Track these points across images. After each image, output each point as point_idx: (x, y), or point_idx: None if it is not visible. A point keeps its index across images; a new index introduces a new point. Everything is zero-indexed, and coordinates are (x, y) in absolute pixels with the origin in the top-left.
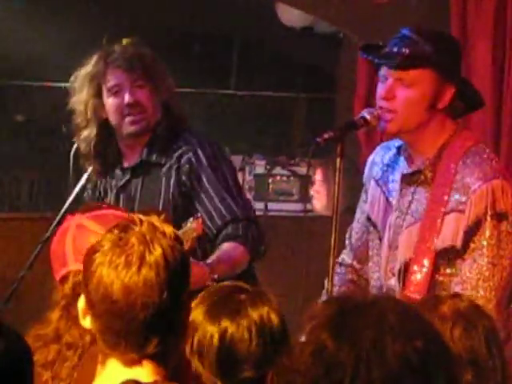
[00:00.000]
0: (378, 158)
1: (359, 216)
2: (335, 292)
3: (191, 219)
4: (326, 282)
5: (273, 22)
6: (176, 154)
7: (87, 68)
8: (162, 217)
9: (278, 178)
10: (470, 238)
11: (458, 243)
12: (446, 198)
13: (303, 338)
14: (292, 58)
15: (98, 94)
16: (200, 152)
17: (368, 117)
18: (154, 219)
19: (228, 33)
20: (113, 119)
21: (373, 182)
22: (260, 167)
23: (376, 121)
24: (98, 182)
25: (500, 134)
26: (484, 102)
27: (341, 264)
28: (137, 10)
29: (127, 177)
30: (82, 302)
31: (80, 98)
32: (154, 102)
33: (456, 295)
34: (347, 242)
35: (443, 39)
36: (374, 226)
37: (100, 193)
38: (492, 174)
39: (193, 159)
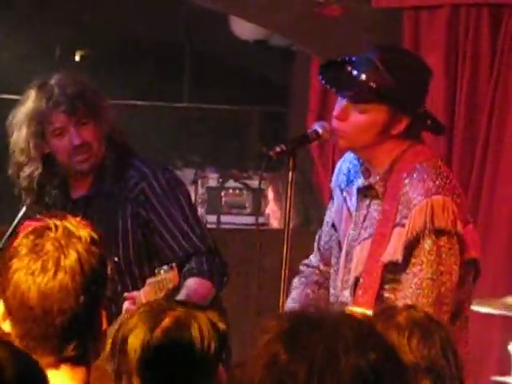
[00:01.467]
0: (344, 166)
1: (327, 220)
2: (300, 294)
3: (166, 267)
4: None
5: (226, 35)
6: (129, 185)
7: (26, 106)
8: (78, 219)
9: (231, 191)
10: (410, 252)
11: (399, 257)
12: (394, 212)
13: (256, 351)
14: (245, 71)
15: (40, 133)
16: (154, 183)
17: (320, 130)
18: (70, 224)
19: (181, 45)
20: (60, 158)
21: (338, 191)
22: (213, 180)
23: (328, 134)
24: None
25: (452, 147)
26: (443, 130)
27: (307, 265)
28: (89, 22)
29: (81, 211)
30: (1, 307)
31: (20, 137)
32: (99, 136)
33: (410, 306)
34: (315, 244)
35: (409, 71)
36: (336, 235)
37: None
38: (434, 190)
39: (147, 190)
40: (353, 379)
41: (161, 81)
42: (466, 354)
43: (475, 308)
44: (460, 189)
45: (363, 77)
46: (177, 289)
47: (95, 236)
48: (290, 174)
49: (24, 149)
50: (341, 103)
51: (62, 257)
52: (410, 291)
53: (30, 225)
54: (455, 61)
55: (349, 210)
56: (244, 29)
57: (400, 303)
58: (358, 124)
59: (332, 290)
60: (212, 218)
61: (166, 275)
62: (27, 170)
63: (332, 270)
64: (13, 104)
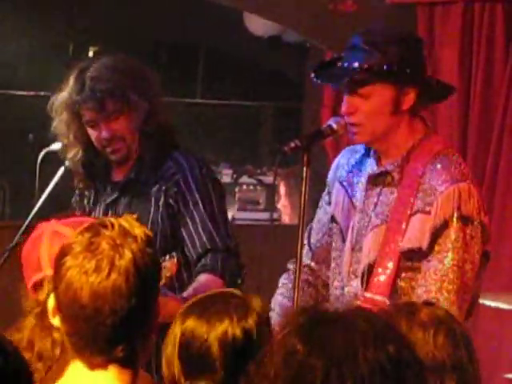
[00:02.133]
0: (343, 160)
1: (320, 217)
2: (289, 289)
3: (167, 257)
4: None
5: (240, 32)
6: (166, 175)
7: (63, 93)
8: (134, 217)
9: (245, 187)
10: (435, 239)
11: (424, 244)
12: (412, 199)
13: (272, 346)
14: (259, 67)
15: (78, 120)
16: (189, 176)
17: (335, 126)
18: (126, 222)
19: (195, 42)
20: (96, 146)
21: (337, 184)
22: (227, 176)
23: (343, 130)
24: (86, 191)
25: (467, 140)
26: (454, 90)
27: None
28: (103, 19)
29: (116, 194)
30: (52, 301)
31: (60, 122)
32: (132, 128)
33: (429, 303)
34: (306, 241)
35: (395, 42)
36: (338, 228)
37: (89, 201)
38: (460, 177)
39: (181, 183)
40: (372, 372)
41: (175, 77)
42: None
43: (488, 303)
44: (476, 180)
45: (355, 64)
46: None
47: (150, 234)
48: (305, 169)
49: (64, 133)
50: (346, 98)
51: (117, 256)
52: (434, 278)
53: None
54: (469, 55)
55: (351, 201)
56: (258, 25)
57: (420, 290)
58: (369, 110)
59: (336, 283)
60: None
61: (165, 264)
62: (70, 153)
63: (333, 265)
64: (26, 100)
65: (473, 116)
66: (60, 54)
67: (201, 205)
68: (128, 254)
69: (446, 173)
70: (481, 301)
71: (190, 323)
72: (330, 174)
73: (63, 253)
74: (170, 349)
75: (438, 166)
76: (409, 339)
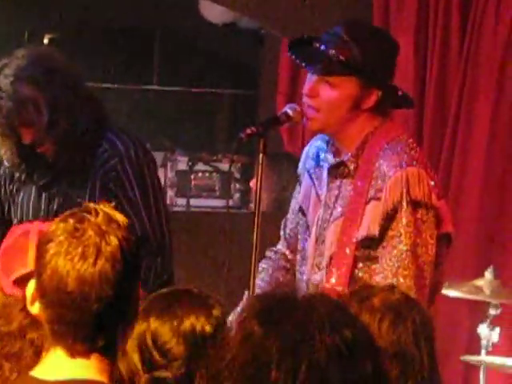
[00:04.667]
0: (311, 150)
1: (293, 207)
2: (269, 277)
3: None
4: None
5: (196, 18)
6: (101, 159)
7: None
8: (112, 205)
9: (200, 174)
10: (388, 225)
11: (377, 231)
12: (366, 189)
13: (231, 329)
14: (215, 55)
15: None
16: (126, 160)
17: (290, 112)
18: (108, 208)
19: (151, 28)
20: None
21: (306, 175)
22: (182, 163)
23: (298, 116)
24: (16, 171)
25: (422, 127)
26: (413, 105)
27: (276, 252)
28: (58, 5)
29: (49, 176)
30: (31, 288)
31: None
32: (47, 137)
33: (389, 287)
34: (282, 232)
35: (374, 41)
36: (305, 220)
37: (15, 182)
38: (409, 162)
39: (119, 168)
40: (327, 355)
41: (131, 64)
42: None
43: (445, 291)
44: (430, 165)
45: (332, 51)
46: None
47: (128, 221)
48: (261, 156)
49: None
50: (310, 80)
51: (104, 243)
52: (390, 264)
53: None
54: (425, 43)
55: (317, 194)
56: (213, 12)
57: (378, 277)
58: (330, 99)
59: (299, 276)
60: (182, 201)
61: None
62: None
63: (299, 256)
64: None
65: (428, 102)
66: (15, 41)
67: (136, 191)
68: (114, 241)
69: (396, 158)
70: None
71: (153, 319)
72: (300, 164)
73: (46, 239)
74: (130, 344)
75: (389, 152)
76: (365, 326)
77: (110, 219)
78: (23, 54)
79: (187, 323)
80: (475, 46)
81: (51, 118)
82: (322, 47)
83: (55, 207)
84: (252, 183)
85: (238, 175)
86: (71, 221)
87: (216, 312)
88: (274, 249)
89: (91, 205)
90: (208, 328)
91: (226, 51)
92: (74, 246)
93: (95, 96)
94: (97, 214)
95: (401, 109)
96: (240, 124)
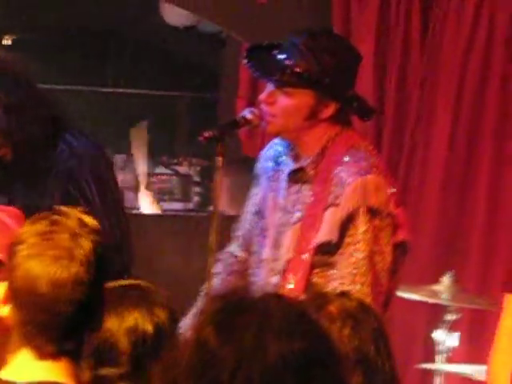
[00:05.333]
0: (270, 153)
1: (250, 209)
2: (220, 280)
3: None
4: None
5: (157, 20)
6: (60, 160)
7: None
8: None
9: (161, 177)
10: (345, 231)
11: (334, 237)
12: (325, 195)
13: (187, 334)
14: (176, 58)
15: None
16: (84, 161)
17: (249, 116)
18: (79, 212)
19: (110, 30)
20: None
21: (264, 177)
22: (143, 166)
23: (257, 120)
24: None
25: (381, 134)
26: (373, 114)
27: (229, 254)
28: (15, 8)
29: (8, 178)
30: (1, 291)
31: None
32: (2, 140)
33: (343, 294)
34: (235, 234)
35: (333, 52)
36: (262, 223)
37: None
38: (368, 169)
39: (77, 168)
40: (281, 365)
41: (88, 66)
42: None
43: (402, 294)
44: (389, 172)
45: (288, 62)
46: None
47: (99, 227)
48: (219, 159)
49: None
50: (269, 87)
51: (77, 247)
52: (347, 271)
53: None
54: (385, 48)
55: (275, 197)
56: (174, 15)
57: (335, 283)
58: (285, 108)
59: (254, 278)
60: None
61: None
62: None
63: (253, 259)
64: None
65: (388, 109)
66: None
67: (95, 192)
68: (87, 244)
69: (355, 165)
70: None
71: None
72: (258, 167)
73: (18, 241)
74: None
75: (349, 159)
76: (325, 331)
77: (81, 223)
78: None
79: (131, 319)
80: (435, 52)
81: (6, 121)
82: (280, 57)
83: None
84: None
85: (197, 178)
86: (43, 223)
87: (160, 311)
88: (227, 251)
89: (63, 208)
90: (150, 326)
91: (187, 54)
92: (46, 249)
93: (51, 98)
94: (68, 217)
95: (362, 119)
96: (200, 127)
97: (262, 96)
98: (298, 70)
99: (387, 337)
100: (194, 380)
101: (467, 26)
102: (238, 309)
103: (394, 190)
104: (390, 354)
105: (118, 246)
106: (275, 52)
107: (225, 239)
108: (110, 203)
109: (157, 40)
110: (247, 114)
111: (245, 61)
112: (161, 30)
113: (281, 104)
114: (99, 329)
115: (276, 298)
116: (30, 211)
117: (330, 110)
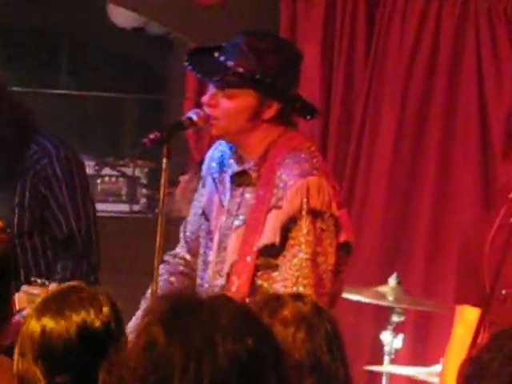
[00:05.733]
0: (216, 154)
1: (195, 210)
2: (164, 282)
3: (39, 281)
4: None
5: (105, 22)
6: (31, 160)
7: None
8: None
9: (107, 178)
10: (287, 234)
11: (277, 239)
12: (268, 198)
13: (135, 334)
14: (124, 59)
15: None
16: (56, 161)
17: (194, 117)
18: None
19: (59, 31)
20: None
21: (210, 179)
22: (89, 168)
23: (202, 122)
24: None
25: (327, 136)
26: (316, 113)
27: (174, 256)
28: None
29: None
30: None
31: None
32: None
33: (298, 296)
34: (181, 235)
35: (275, 53)
36: (207, 225)
37: None
38: (310, 171)
39: (48, 168)
40: (229, 365)
41: (38, 67)
42: None
43: (348, 296)
44: (333, 175)
45: (230, 63)
46: None
47: (1, 224)
48: (165, 160)
49: None
50: (211, 89)
51: None
52: (290, 273)
53: None
54: (331, 50)
55: (220, 199)
56: (121, 16)
57: (278, 285)
58: (228, 110)
59: (199, 281)
60: None
61: (38, 291)
62: None
63: (200, 261)
64: None
65: (334, 111)
66: None
67: (65, 191)
68: None
69: (297, 167)
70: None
71: (47, 320)
72: (204, 167)
73: None
74: (28, 347)
75: (291, 161)
76: (271, 331)
77: None
78: None
79: (78, 319)
80: (381, 56)
81: None
82: (222, 58)
83: None
84: (182, 180)
85: (144, 180)
86: None
87: (106, 309)
88: (173, 252)
89: None
90: (98, 323)
91: (135, 56)
92: None
93: (19, 100)
94: None
95: (305, 118)
96: (147, 129)
97: (205, 98)
98: (239, 70)
99: (341, 340)
100: (142, 380)
101: (412, 32)
102: (186, 309)
103: (333, 192)
104: (344, 358)
105: (85, 243)
106: (216, 54)
107: (176, 241)
108: (79, 203)
109: (105, 41)
110: (192, 115)
111: (186, 63)
112: (108, 32)
113: (223, 106)
114: (7, 324)
115: (223, 298)
116: (1, 210)
117: (272, 111)
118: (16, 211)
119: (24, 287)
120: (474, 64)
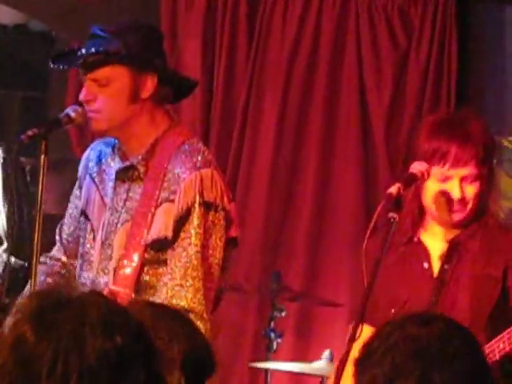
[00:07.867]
0: (93, 154)
1: (71, 212)
2: (40, 283)
3: None
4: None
5: None
6: None
7: None
8: None
9: None
10: (180, 227)
11: (169, 233)
12: (157, 192)
13: (4, 333)
14: (5, 56)
15: None
16: None
17: (72, 114)
18: None
19: None
20: None
21: (88, 178)
22: None
23: (81, 118)
24: None
25: (209, 131)
26: (194, 84)
27: (50, 257)
28: None
29: None
30: None
31: None
32: None
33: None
34: (57, 237)
35: (134, 31)
36: (88, 224)
37: None
38: (202, 164)
39: None
40: (98, 362)
41: None
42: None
43: (231, 294)
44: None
45: (92, 50)
46: None
47: None
48: (42, 157)
49: None
50: (86, 83)
51: None
52: (179, 265)
53: None
54: (212, 46)
55: (102, 198)
56: (3, 13)
57: (166, 278)
58: (106, 97)
59: (82, 280)
60: None
61: None
62: None
63: (80, 261)
64: None
65: (215, 105)
66: None
67: None
68: None
69: (189, 160)
70: None
71: None
72: (81, 168)
73: None
74: None
75: (182, 154)
76: (143, 329)
77: None
78: None
79: None
80: (262, 49)
81: None
82: (84, 51)
83: None
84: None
85: (28, 177)
86: None
87: None
88: (49, 255)
89: None
90: None
91: (17, 52)
92: None
93: None
94: None
95: (185, 94)
96: (30, 126)
97: (81, 96)
98: (101, 49)
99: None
100: (12, 378)
101: (293, 25)
102: (55, 306)
103: (224, 185)
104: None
105: (17, 242)
106: (79, 51)
107: (51, 239)
108: (14, 200)
109: None
110: (70, 112)
111: (51, 65)
112: None
113: (101, 96)
114: None
115: (94, 295)
116: None
117: (149, 86)
118: None
119: None
120: (355, 60)
